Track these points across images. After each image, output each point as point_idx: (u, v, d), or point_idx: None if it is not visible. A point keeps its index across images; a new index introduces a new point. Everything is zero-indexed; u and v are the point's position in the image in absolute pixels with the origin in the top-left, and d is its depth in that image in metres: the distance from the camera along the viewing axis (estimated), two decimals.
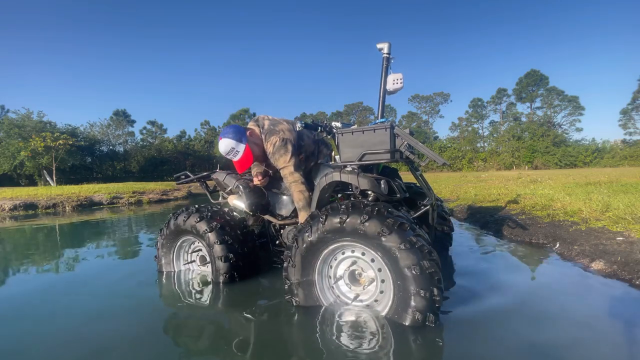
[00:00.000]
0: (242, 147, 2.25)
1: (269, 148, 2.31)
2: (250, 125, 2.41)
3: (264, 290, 2.36)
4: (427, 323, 1.60)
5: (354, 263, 1.89)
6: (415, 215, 2.24)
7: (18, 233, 5.48)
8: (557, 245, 3.17)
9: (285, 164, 2.24)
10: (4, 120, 26.23)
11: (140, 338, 1.73)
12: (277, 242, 2.62)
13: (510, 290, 2.23)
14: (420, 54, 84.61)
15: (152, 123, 42.53)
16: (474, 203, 6.01)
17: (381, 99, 2.33)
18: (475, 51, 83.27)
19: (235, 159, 2.28)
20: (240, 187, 2.53)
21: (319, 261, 1.89)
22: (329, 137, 2.29)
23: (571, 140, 41.11)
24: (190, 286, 2.44)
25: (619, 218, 3.42)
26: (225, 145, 2.25)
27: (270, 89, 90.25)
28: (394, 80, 2.25)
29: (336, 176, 2.01)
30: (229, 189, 2.68)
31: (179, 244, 2.64)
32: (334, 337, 1.64)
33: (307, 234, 1.85)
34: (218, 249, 2.32)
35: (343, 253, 1.89)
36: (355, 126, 2.13)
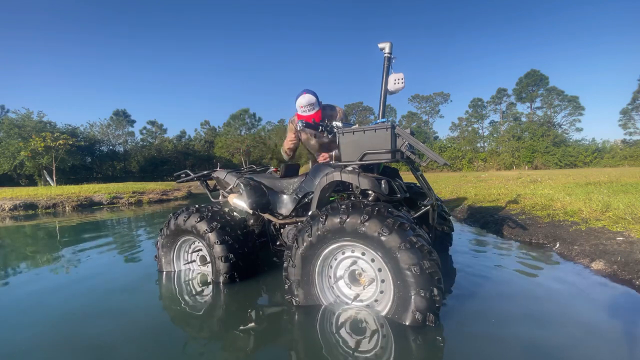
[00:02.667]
0: (318, 107, 2.68)
1: (339, 114, 2.86)
2: None
3: (264, 290, 2.36)
4: (427, 323, 1.61)
5: (354, 263, 1.89)
6: (415, 215, 2.24)
7: (18, 233, 5.48)
8: (557, 245, 3.17)
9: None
10: (4, 120, 26.21)
11: (140, 338, 1.73)
12: (277, 242, 2.62)
13: (510, 290, 2.23)
14: (420, 54, 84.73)
15: (152, 123, 42.53)
16: (474, 203, 6.01)
17: (382, 98, 2.33)
18: (475, 51, 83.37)
19: (311, 113, 2.62)
20: (241, 185, 2.54)
21: (319, 261, 1.89)
22: (329, 136, 2.29)
23: (571, 140, 41.11)
24: (191, 286, 2.44)
25: (619, 218, 3.42)
26: (308, 98, 2.60)
27: (271, 89, 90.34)
28: (395, 80, 2.25)
29: (337, 176, 2.02)
30: (229, 187, 2.68)
31: (179, 244, 2.64)
32: (334, 337, 1.64)
33: (307, 233, 1.85)
34: (218, 249, 2.32)
35: (343, 253, 1.89)
36: (356, 126, 2.13)
